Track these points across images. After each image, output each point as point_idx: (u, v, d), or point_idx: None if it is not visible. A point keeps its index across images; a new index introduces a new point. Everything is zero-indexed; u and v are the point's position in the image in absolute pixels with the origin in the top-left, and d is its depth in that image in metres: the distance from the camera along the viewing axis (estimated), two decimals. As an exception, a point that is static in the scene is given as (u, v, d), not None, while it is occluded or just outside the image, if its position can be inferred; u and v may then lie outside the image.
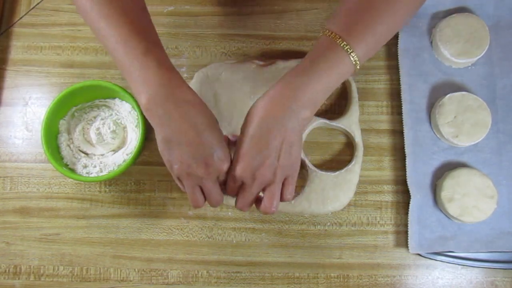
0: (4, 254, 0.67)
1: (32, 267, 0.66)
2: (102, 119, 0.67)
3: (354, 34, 0.51)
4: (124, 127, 0.68)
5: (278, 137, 0.50)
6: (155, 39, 0.53)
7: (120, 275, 0.66)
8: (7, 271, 0.66)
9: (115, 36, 0.51)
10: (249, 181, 0.52)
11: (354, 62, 0.51)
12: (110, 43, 0.52)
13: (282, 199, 0.54)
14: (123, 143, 0.67)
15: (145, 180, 0.68)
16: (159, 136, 0.52)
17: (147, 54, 0.50)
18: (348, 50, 0.50)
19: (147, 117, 0.51)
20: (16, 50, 0.73)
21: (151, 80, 0.50)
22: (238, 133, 0.55)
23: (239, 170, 0.52)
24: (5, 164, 0.70)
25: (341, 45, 0.50)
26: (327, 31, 0.52)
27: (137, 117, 0.66)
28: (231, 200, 0.65)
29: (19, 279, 0.66)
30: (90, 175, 0.65)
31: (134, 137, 0.67)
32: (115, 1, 0.52)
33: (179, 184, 0.55)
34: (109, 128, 0.65)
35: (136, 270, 0.66)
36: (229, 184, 0.54)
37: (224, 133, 0.58)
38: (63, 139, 0.67)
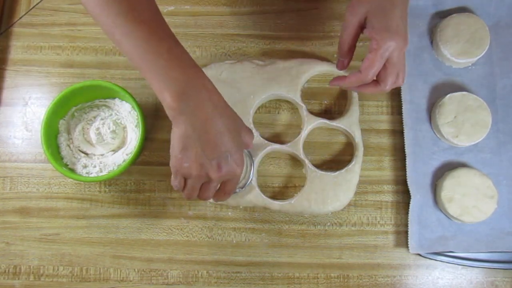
0: (4, 254, 0.67)
1: (32, 267, 0.66)
2: (102, 119, 0.67)
3: None
4: (124, 127, 0.68)
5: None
6: (174, 37, 0.52)
7: (120, 275, 0.66)
8: (7, 271, 0.66)
9: (135, 33, 0.50)
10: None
11: None
12: (128, 43, 0.50)
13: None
14: (123, 143, 0.67)
15: (145, 180, 0.68)
16: (176, 133, 0.51)
17: (171, 52, 0.50)
18: None
19: (168, 114, 0.51)
20: (16, 50, 0.73)
21: (177, 78, 0.49)
22: None
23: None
24: (5, 164, 0.70)
25: None
26: None
27: (137, 117, 0.66)
28: (231, 200, 0.65)
29: (19, 279, 0.66)
30: (90, 175, 0.65)
31: (134, 137, 0.67)
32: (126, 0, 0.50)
33: (174, 181, 0.54)
34: (109, 128, 0.65)
35: (136, 270, 0.66)
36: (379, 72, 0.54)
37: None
38: (63, 139, 0.67)
